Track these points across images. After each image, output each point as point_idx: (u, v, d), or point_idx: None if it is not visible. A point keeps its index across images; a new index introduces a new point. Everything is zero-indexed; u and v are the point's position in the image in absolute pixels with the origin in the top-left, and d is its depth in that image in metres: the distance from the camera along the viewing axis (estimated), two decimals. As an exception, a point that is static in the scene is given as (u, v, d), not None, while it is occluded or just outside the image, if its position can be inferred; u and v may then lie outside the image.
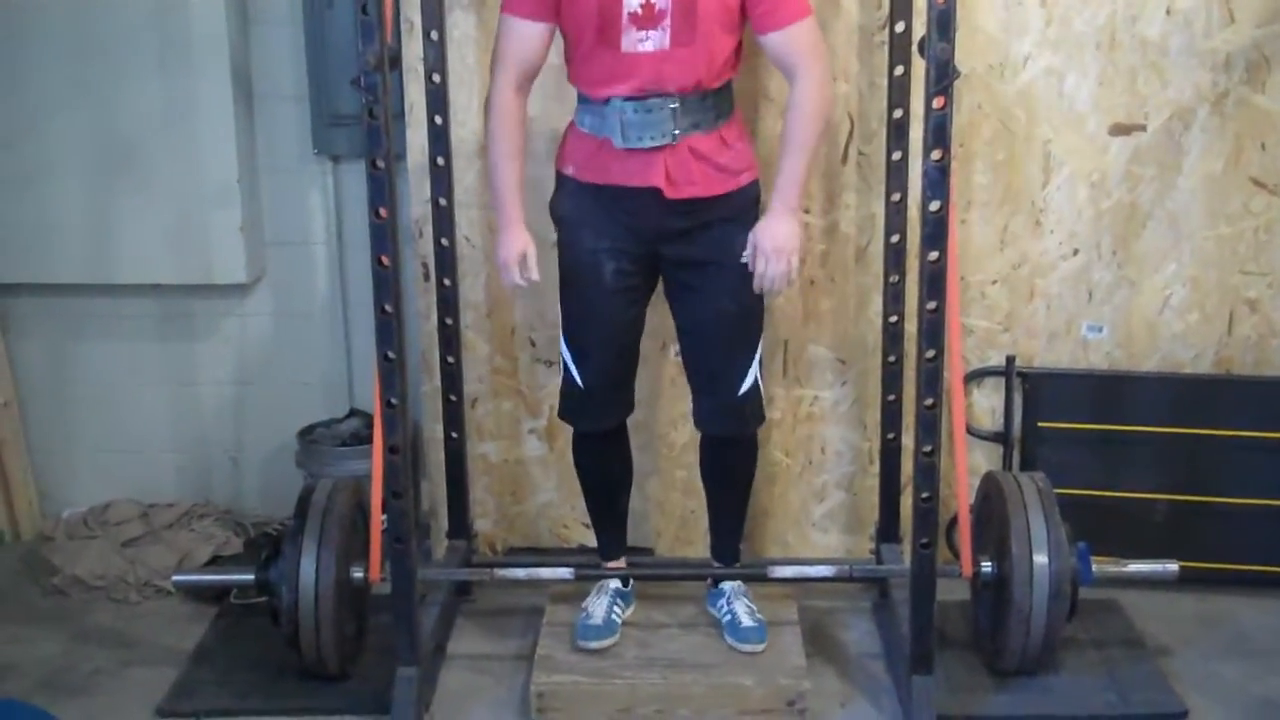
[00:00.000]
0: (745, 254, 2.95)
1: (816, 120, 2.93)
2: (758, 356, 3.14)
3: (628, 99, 2.92)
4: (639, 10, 2.85)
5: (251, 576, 3.18)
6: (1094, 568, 3.11)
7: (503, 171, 3.01)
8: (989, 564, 3.15)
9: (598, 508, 3.42)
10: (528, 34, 2.93)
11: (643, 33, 2.87)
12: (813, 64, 2.90)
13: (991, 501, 3.21)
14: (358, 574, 3.18)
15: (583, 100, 3.03)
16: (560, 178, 3.11)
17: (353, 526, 3.21)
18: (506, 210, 3.02)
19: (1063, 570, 3.02)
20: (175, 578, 3.38)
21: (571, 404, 3.22)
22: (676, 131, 2.93)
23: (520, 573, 3.32)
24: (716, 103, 2.97)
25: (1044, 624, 3.03)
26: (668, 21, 2.85)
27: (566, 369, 3.20)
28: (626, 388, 3.25)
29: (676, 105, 2.92)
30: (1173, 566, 3.20)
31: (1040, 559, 3.01)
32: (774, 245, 2.92)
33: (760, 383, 3.17)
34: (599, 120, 2.97)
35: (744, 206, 3.03)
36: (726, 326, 3.09)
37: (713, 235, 3.03)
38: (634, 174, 2.97)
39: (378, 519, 3.13)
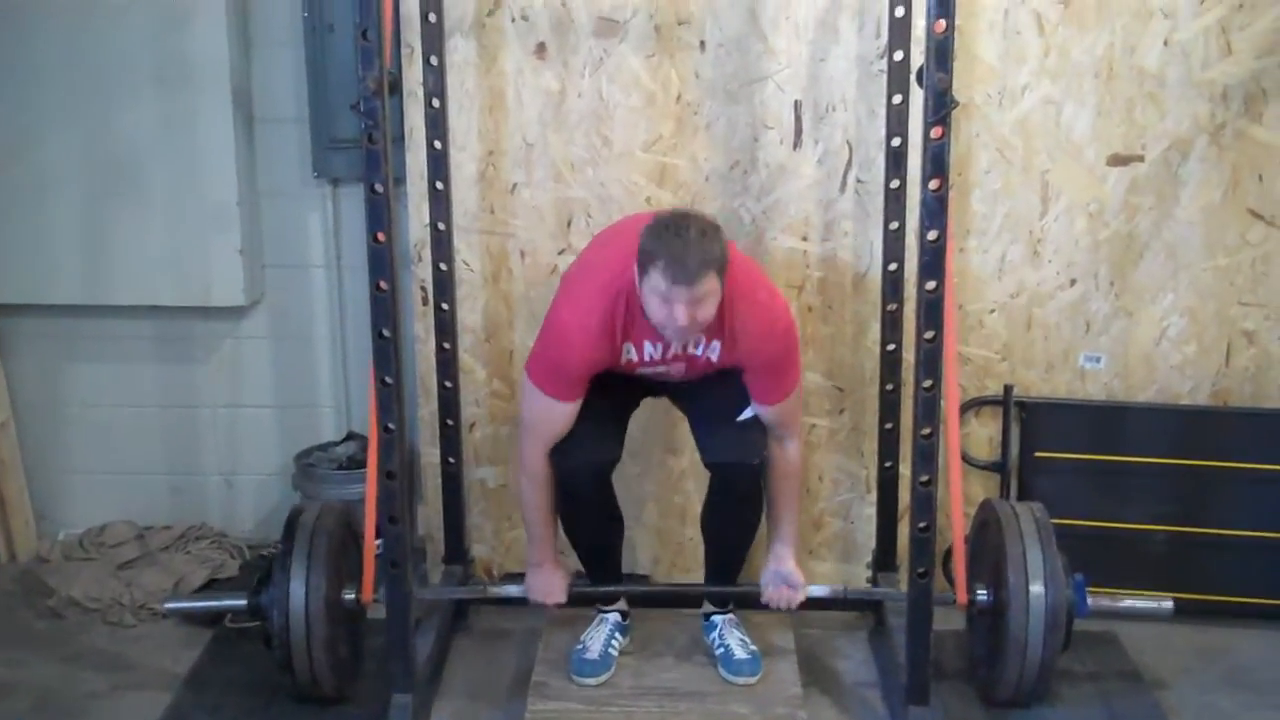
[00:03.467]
0: (764, 585, 3.19)
1: (800, 474, 3.27)
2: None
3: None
4: (651, 374, 3.08)
5: (244, 602, 3.16)
6: (1089, 600, 3.09)
7: (537, 526, 3.19)
8: (984, 592, 3.14)
9: (586, 554, 3.37)
10: (560, 412, 3.03)
11: (651, 374, 3.09)
12: (797, 425, 3.20)
13: (988, 530, 3.20)
14: (350, 596, 3.16)
15: None
16: None
17: (343, 549, 3.19)
18: (540, 554, 3.21)
19: (1059, 601, 3.00)
20: (167, 605, 3.36)
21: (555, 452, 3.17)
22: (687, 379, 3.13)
23: (514, 589, 3.30)
24: None
25: (1039, 655, 3.01)
26: (679, 374, 3.08)
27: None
28: (615, 432, 3.23)
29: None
30: (1168, 604, 3.19)
31: (1036, 589, 3.00)
32: (790, 583, 3.17)
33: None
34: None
35: None
36: (722, 390, 3.10)
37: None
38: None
39: (371, 541, 3.12)
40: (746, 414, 3.09)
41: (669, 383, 3.16)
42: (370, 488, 3.06)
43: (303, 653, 3.06)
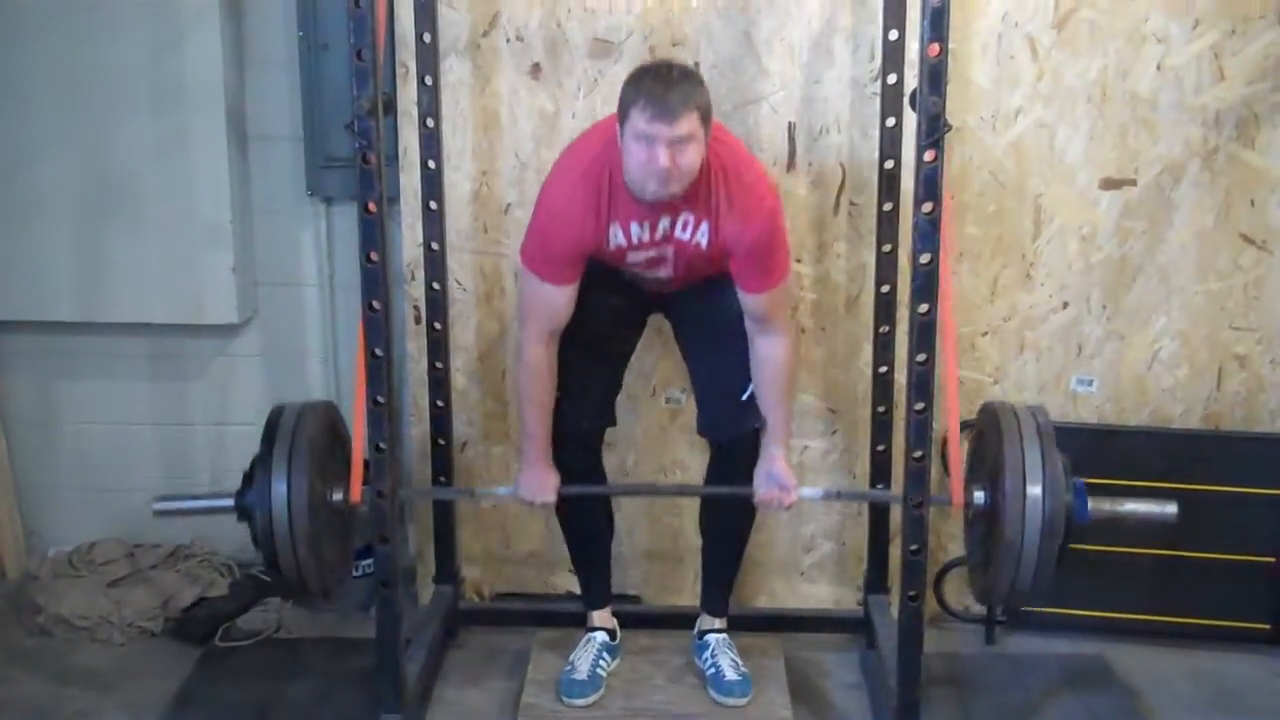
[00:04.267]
0: (755, 487, 3.14)
1: (793, 372, 3.19)
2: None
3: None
4: (641, 262, 3.03)
5: (231, 502, 3.06)
6: (1090, 505, 2.97)
7: (532, 417, 3.14)
8: (981, 494, 3.03)
9: (580, 553, 3.41)
10: (554, 296, 3.03)
11: (646, 272, 3.07)
12: (785, 319, 3.11)
13: (987, 434, 3.09)
14: (338, 497, 3.11)
15: None
16: None
17: (328, 450, 3.12)
18: (534, 450, 3.16)
19: (1057, 505, 2.88)
20: (156, 506, 3.18)
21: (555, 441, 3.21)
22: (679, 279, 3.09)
23: (503, 490, 3.31)
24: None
25: (1034, 559, 2.89)
26: (669, 268, 3.04)
27: None
28: (606, 397, 3.27)
29: (683, 280, 3.10)
30: (1171, 507, 3.05)
31: (1034, 491, 2.88)
32: (781, 484, 3.13)
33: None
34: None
35: None
36: (730, 330, 3.10)
37: (710, 283, 3.09)
38: (639, 281, 3.13)
39: (359, 442, 3.06)
40: (749, 391, 3.12)
41: (668, 303, 3.16)
42: (360, 378, 2.97)
43: (288, 551, 2.99)
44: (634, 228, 2.95)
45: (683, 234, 2.95)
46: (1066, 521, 2.91)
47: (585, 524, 3.37)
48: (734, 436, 3.20)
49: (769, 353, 3.07)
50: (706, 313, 3.13)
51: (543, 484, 3.17)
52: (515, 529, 3.79)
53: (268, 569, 3.07)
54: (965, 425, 3.59)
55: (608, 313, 3.15)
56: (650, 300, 3.21)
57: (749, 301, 3.01)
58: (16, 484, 4.09)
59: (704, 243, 2.95)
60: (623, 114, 2.78)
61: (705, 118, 2.78)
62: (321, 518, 3.06)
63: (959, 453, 3.06)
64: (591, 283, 3.06)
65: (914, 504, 2.90)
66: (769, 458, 3.15)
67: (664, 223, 2.93)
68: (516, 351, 3.16)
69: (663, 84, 2.73)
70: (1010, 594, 2.99)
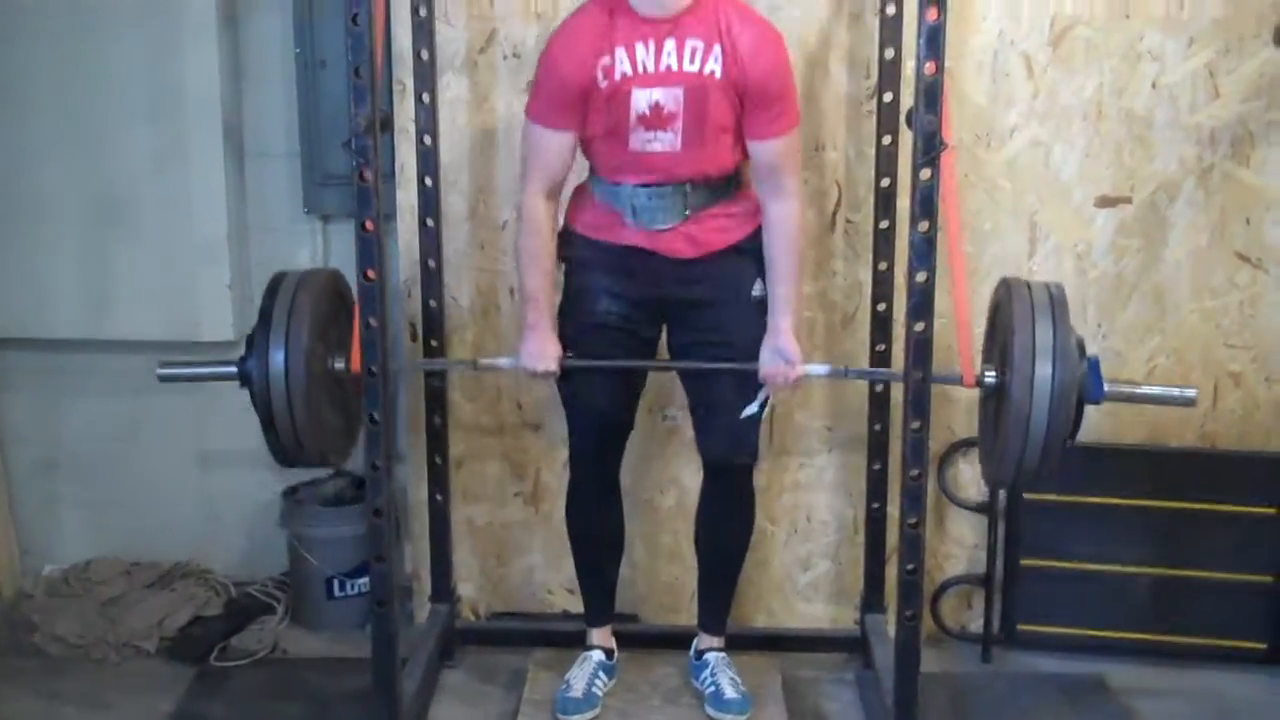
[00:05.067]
0: (761, 363, 3.03)
1: (801, 238, 3.06)
2: (763, 395, 3.10)
3: (639, 185, 2.99)
4: (647, 112, 2.91)
5: (234, 369, 3.01)
6: (1106, 385, 2.89)
7: (532, 277, 3.06)
8: (992, 374, 2.96)
9: (586, 571, 3.39)
10: (554, 143, 2.98)
11: (651, 133, 2.94)
12: (795, 176, 3.02)
13: (1001, 308, 3.00)
14: (339, 365, 3.05)
15: (595, 172, 3.09)
16: (569, 231, 3.14)
17: (330, 316, 3.07)
18: (534, 314, 3.08)
19: (1066, 380, 2.80)
20: (161, 371, 3.18)
21: (573, 438, 3.22)
22: (687, 212, 3.01)
23: (504, 361, 3.22)
24: (727, 183, 3.04)
25: (1043, 436, 2.81)
26: (679, 124, 2.92)
27: (565, 406, 3.22)
28: (627, 395, 3.23)
29: (687, 191, 3.00)
30: (1191, 392, 2.96)
31: (1044, 368, 2.80)
32: (787, 358, 3.02)
33: (760, 419, 3.14)
34: (611, 197, 3.04)
35: (750, 244, 3.06)
36: (732, 355, 3.08)
37: (721, 271, 3.07)
38: (648, 241, 3.04)
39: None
40: (750, 410, 3.08)
41: (677, 309, 3.11)
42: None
43: (285, 417, 2.95)
44: (639, 49, 2.88)
45: (691, 65, 2.88)
46: (1079, 398, 2.84)
47: (595, 541, 3.35)
48: (732, 457, 3.18)
49: (780, 215, 3.00)
50: (707, 330, 3.09)
51: (544, 352, 3.07)
52: (512, 548, 3.78)
53: (266, 435, 3.01)
54: (959, 445, 3.62)
55: (620, 319, 3.11)
56: (660, 284, 3.09)
57: (762, 150, 2.95)
58: (12, 502, 4.08)
59: (718, 70, 2.88)
60: None
61: None
62: (321, 384, 3.00)
63: (969, 338, 2.98)
64: (595, 289, 3.06)
65: (910, 523, 2.89)
66: (775, 330, 3.04)
67: (670, 46, 2.88)
68: (516, 211, 3.11)
69: None
70: (1018, 473, 2.90)
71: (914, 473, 2.86)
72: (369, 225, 2.76)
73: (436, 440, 3.52)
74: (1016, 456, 2.85)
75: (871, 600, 3.58)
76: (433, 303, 3.45)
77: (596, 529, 3.33)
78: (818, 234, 3.51)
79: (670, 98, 2.90)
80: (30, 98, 3.71)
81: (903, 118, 3.15)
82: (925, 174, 2.71)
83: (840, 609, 3.76)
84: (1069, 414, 2.82)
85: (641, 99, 2.90)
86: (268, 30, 3.75)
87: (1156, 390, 3.03)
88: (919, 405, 2.83)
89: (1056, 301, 2.88)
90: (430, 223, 3.41)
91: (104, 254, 3.78)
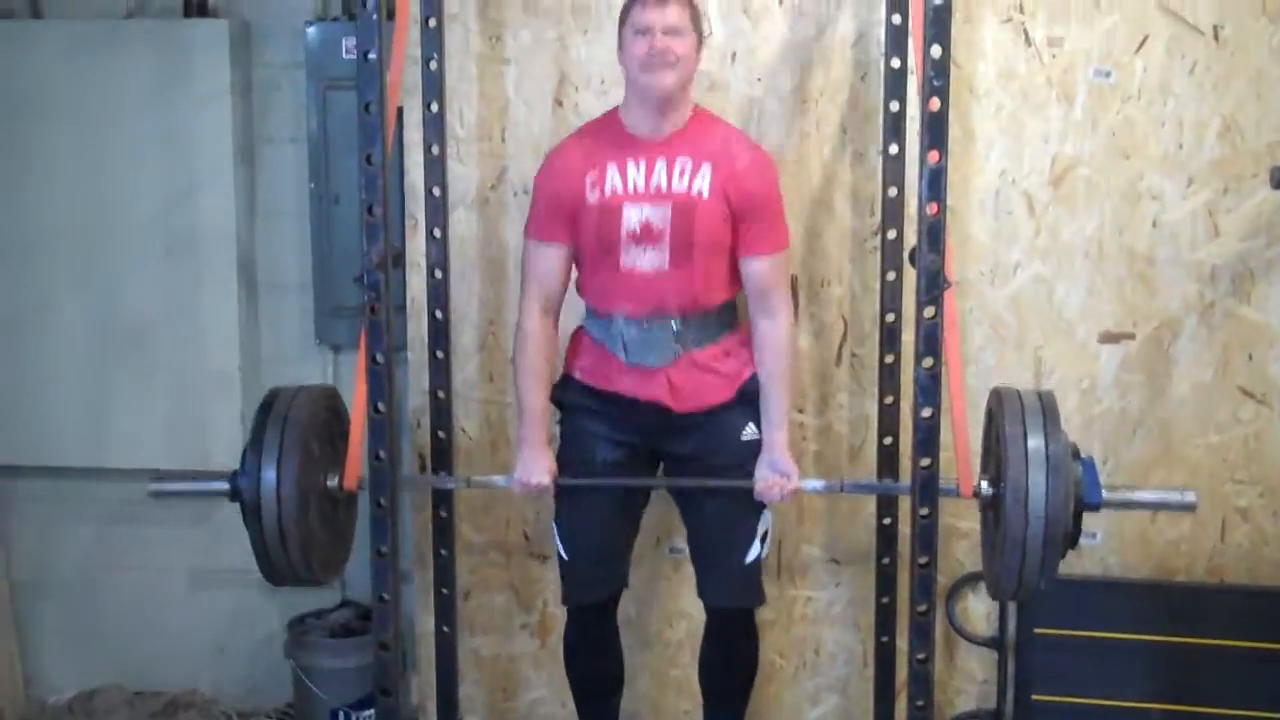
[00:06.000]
0: (757, 478, 3.04)
1: (792, 354, 3.10)
2: (762, 530, 3.12)
3: (630, 318, 3.02)
4: (637, 229, 2.97)
5: (226, 485, 3.02)
6: (1104, 493, 2.88)
7: (529, 395, 3.10)
8: (988, 485, 2.94)
9: (586, 710, 3.35)
10: (548, 256, 3.05)
11: (641, 249, 2.98)
12: (786, 297, 3.06)
13: (994, 417, 3.00)
14: (332, 483, 3.04)
15: (590, 311, 3.13)
16: (567, 377, 3.17)
17: (325, 433, 3.06)
18: (530, 429, 3.11)
19: (1063, 487, 2.79)
20: (152, 487, 3.18)
21: (564, 582, 3.20)
22: (678, 349, 3.04)
23: (500, 479, 3.20)
24: (718, 319, 3.07)
25: (1041, 544, 2.79)
26: (666, 242, 2.97)
27: (557, 549, 3.20)
28: (617, 562, 3.22)
29: (677, 325, 3.02)
30: (1191, 496, 2.95)
31: (1037, 475, 2.78)
32: (783, 472, 3.04)
33: (763, 560, 3.15)
34: (604, 333, 3.08)
35: (744, 398, 3.08)
36: (730, 506, 3.08)
37: (714, 425, 3.09)
38: (639, 388, 3.06)
39: (357, 427, 3.00)
40: (753, 554, 3.09)
41: (674, 448, 3.11)
42: (360, 370, 2.96)
43: (275, 537, 2.93)
44: (630, 167, 2.96)
45: (680, 183, 2.95)
46: (1077, 504, 2.84)
47: (594, 679, 3.33)
48: (735, 603, 3.16)
49: (770, 333, 3.03)
50: (705, 467, 3.10)
51: (538, 466, 3.09)
52: (518, 680, 3.75)
53: (255, 551, 2.99)
54: (968, 578, 3.61)
55: (615, 467, 3.13)
56: (656, 435, 3.13)
57: (753, 269, 3.00)
58: (17, 629, 4.07)
59: (705, 189, 2.94)
60: (621, 22, 2.95)
61: (696, 24, 2.95)
62: (313, 501, 3.00)
63: (966, 446, 2.98)
64: (593, 436, 3.08)
65: (919, 658, 2.88)
66: (770, 445, 3.06)
67: (661, 165, 2.95)
68: (516, 325, 3.14)
69: None
70: (1020, 583, 2.88)
71: (922, 608, 2.86)
72: (379, 358, 2.80)
73: (443, 571, 3.52)
74: (1017, 566, 2.84)
75: (883, 721, 3.55)
76: (441, 434, 3.47)
77: (595, 665, 3.30)
78: (824, 368, 3.54)
79: (659, 215, 2.96)
80: (47, 232, 3.79)
81: (906, 254, 3.20)
82: (929, 311, 2.74)
83: (851, 736, 3.72)
84: (1066, 520, 2.82)
85: (633, 215, 2.97)
86: (283, 166, 3.83)
87: (1156, 495, 3.02)
88: (926, 540, 2.83)
89: (1047, 408, 2.90)
90: (440, 354, 3.44)
91: (117, 384, 3.83)
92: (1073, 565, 3.60)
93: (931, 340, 2.74)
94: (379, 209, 2.75)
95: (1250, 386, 3.52)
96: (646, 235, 2.97)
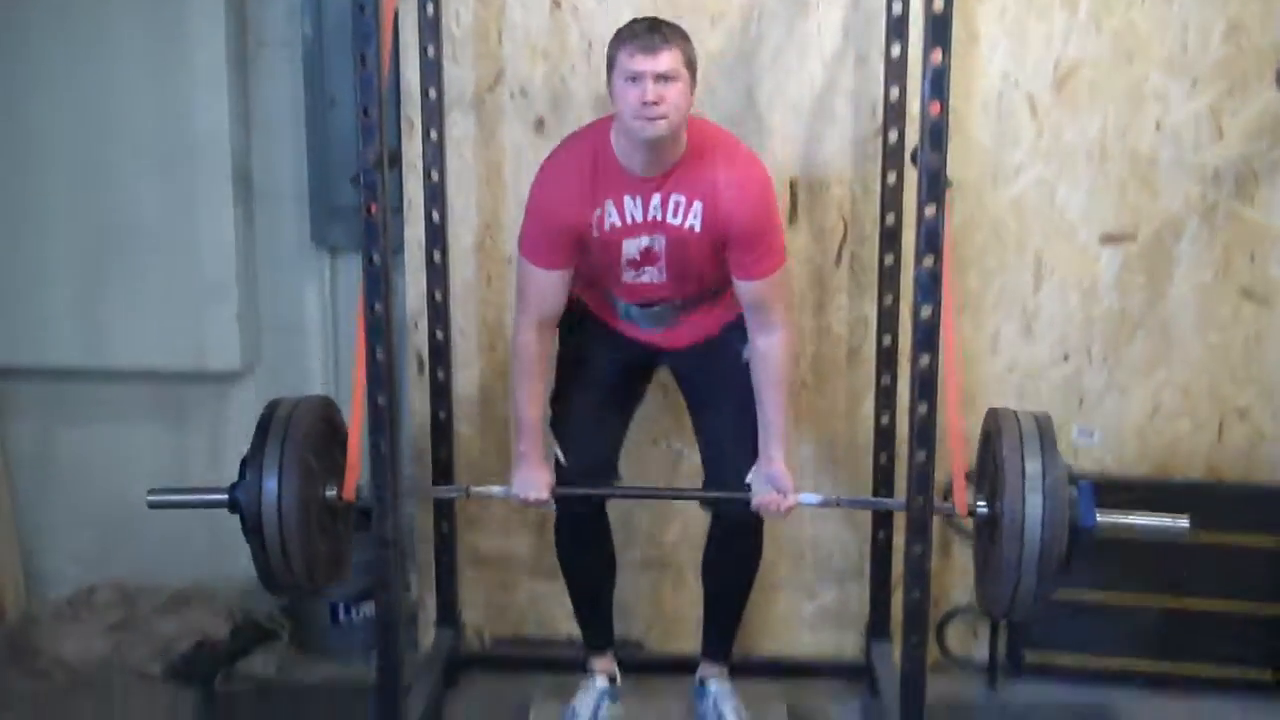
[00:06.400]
0: (754, 493, 3.09)
1: (791, 368, 3.11)
2: None
3: (631, 304, 3.10)
4: (637, 257, 3.00)
5: (224, 496, 3.05)
6: (1099, 516, 2.91)
7: (526, 409, 3.12)
8: (984, 505, 2.99)
9: (580, 599, 3.40)
10: (547, 281, 3.02)
11: (639, 270, 3.02)
12: (784, 312, 3.04)
13: (990, 440, 3.04)
14: (331, 493, 3.07)
15: None
16: (577, 299, 3.16)
17: (323, 444, 3.09)
18: (526, 443, 3.13)
19: (1058, 510, 2.83)
20: (151, 497, 3.21)
21: (559, 486, 3.20)
22: (679, 317, 3.11)
23: (497, 489, 3.21)
24: (715, 290, 3.10)
25: (1036, 567, 2.84)
26: (663, 261, 3.00)
27: (555, 454, 3.22)
28: (609, 466, 3.25)
29: (679, 303, 3.09)
30: (1183, 523, 3.00)
31: (1034, 498, 2.83)
32: (780, 487, 3.07)
33: None
34: (610, 298, 3.13)
35: (735, 323, 3.10)
36: (734, 420, 3.11)
37: (709, 345, 3.15)
38: (638, 334, 3.15)
39: (355, 437, 3.03)
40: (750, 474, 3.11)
41: (674, 359, 3.18)
42: (358, 384, 2.98)
43: (276, 548, 2.97)
44: (627, 202, 2.94)
45: (674, 219, 2.95)
46: (1072, 528, 2.86)
47: (586, 570, 3.37)
48: (738, 516, 3.18)
49: (768, 349, 3.03)
50: (714, 376, 3.14)
51: (536, 481, 3.12)
52: (517, 575, 3.79)
53: (255, 562, 3.03)
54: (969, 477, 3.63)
55: (611, 365, 3.17)
56: (654, 353, 3.20)
57: (747, 290, 2.99)
58: (17, 526, 4.10)
59: (697, 225, 2.94)
60: (611, 63, 2.85)
61: (689, 63, 2.84)
62: (313, 514, 3.02)
63: (963, 470, 3.00)
64: (594, 339, 3.09)
65: (915, 552, 2.90)
66: (767, 460, 3.09)
67: (656, 200, 2.93)
68: (511, 341, 3.16)
69: (646, 24, 2.82)
70: (1012, 604, 2.93)
71: (919, 503, 2.87)
72: (376, 259, 2.78)
73: (443, 470, 3.54)
74: (1011, 586, 2.88)
75: (877, 628, 3.59)
76: (439, 335, 3.47)
77: (587, 557, 3.34)
78: (822, 270, 3.53)
79: (656, 242, 2.98)
80: (42, 139, 3.73)
81: (908, 156, 3.17)
82: (930, 210, 2.72)
83: (846, 637, 3.76)
84: (1061, 543, 2.85)
85: (632, 247, 2.99)
86: (277, 70, 3.77)
87: (1149, 520, 3.04)
88: (924, 437, 2.84)
89: (1044, 431, 2.93)
90: (437, 256, 3.43)
91: (113, 286, 3.80)
92: (1069, 463, 3.62)
93: (932, 239, 2.72)
94: (374, 110, 2.71)
95: (1251, 287, 3.52)
96: (645, 259, 3.01)
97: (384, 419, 2.89)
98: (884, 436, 3.47)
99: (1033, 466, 2.85)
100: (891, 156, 3.29)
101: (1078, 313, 3.55)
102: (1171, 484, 3.64)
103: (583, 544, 3.30)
